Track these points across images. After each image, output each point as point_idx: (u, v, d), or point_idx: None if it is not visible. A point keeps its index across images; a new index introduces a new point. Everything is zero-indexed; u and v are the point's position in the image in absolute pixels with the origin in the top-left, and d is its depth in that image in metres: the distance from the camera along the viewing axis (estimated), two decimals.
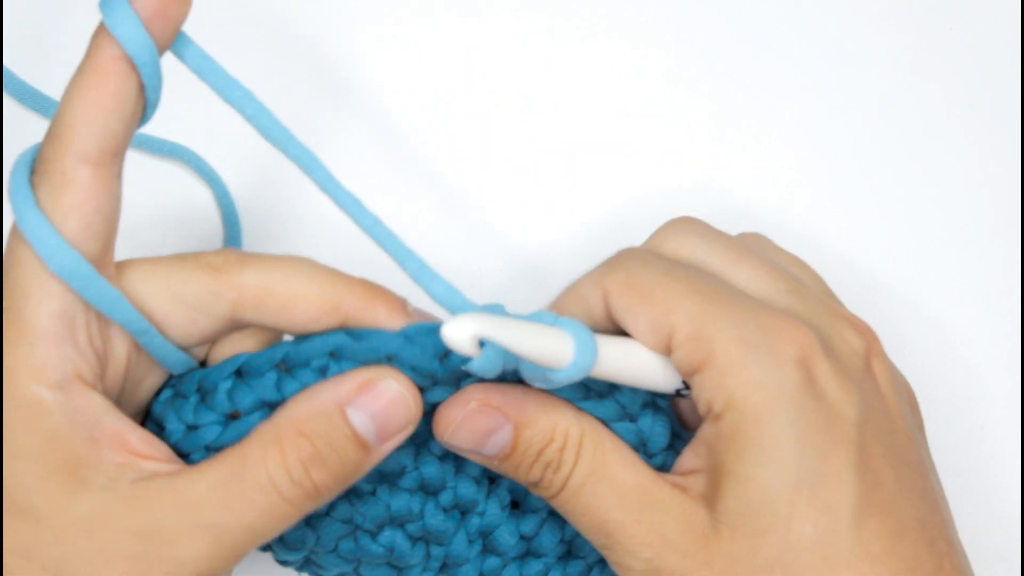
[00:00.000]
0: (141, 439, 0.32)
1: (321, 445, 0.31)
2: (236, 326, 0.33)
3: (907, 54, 0.49)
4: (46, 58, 0.48)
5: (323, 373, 0.32)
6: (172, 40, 0.30)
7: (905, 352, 0.46)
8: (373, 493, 0.35)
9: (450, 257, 0.47)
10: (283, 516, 0.31)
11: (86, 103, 0.29)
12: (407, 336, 0.32)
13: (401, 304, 0.33)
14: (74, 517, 0.30)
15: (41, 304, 0.30)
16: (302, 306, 0.32)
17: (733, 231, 0.47)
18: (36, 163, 0.30)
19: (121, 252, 0.32)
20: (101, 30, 0.29)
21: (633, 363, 0.33)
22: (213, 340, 0.34)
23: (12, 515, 0.30)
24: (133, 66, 0.29)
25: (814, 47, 0.49)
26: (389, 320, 0.32)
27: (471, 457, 0.34)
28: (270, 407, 0.32)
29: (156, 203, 0.46)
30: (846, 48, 0.49)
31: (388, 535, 0.36)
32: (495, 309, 0.32)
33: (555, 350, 0.30)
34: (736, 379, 0.32)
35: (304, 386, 0.32)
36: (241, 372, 0.33)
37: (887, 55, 0.49)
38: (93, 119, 0.29)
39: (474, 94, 0.49)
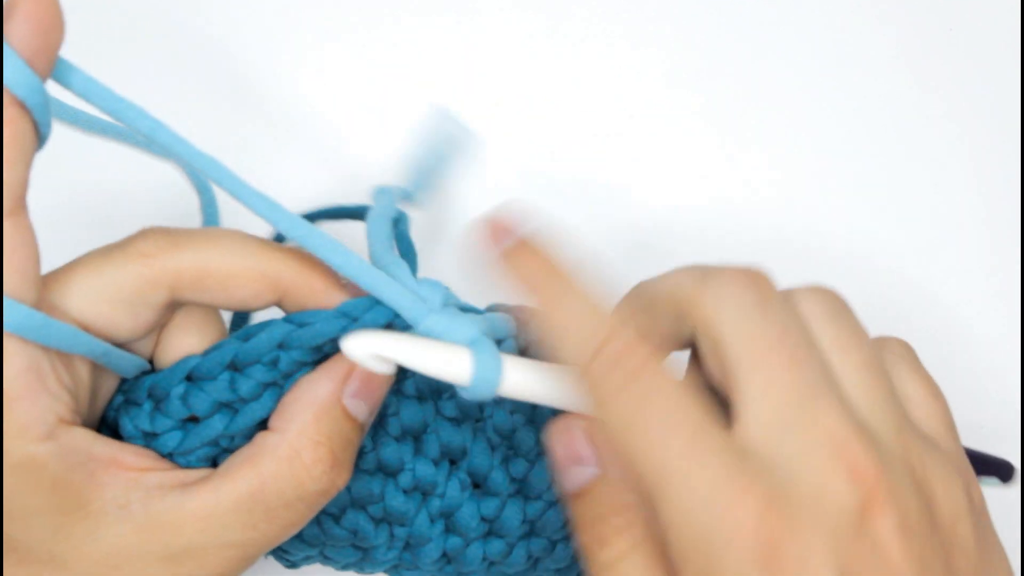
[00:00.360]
0: (132, 454, 0.31)
1: (336, 447, 0.32)
2: (176, 306, 0.33)
3: (907, 54, 0.49)
4: None
5: (275, 365, 0.32)
6: (51, 70, 0.28)
7: None
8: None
9: (447, 258, 0.47)
10: (304, 521, 0.32)
11: None
12: (346, 314, 0.32)
13: (334, 276, 0.33)
14: (99, 554, 0.30)
15: (7, 366, 0.29)
16: (241, 283, 0.32)
17: (733, 231, 0.48)
18: None
19: (94, 234, 0.32)
20: None
21: (547, 384, 0.32)
22: (158, 326, 0.33)
23: (38, 566, 0.30)
24: (25, 108, 0.28)
25: (814, 47, 0.49)
26: (326, 294, 0.32)
27: (559, 477, 0.33)
28: (227, 407, 0.32)
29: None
30: (846, 48, 0.49)
31: (351, 518, 0.36)
32: (459, 306, 0.33)
33: (454, 369, 0.31)
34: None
35: (259, 383, 0.32)
36: (192, 376, 0.32)
37: (887, 55, 0.49)
38: (3, 172, 0.28)
39: (474, 94, 0.49)
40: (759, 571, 0.27)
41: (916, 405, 0.31)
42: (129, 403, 0.33)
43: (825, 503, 0.27)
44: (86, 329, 0.31)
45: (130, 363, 0.32)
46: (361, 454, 0.35)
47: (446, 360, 0.31)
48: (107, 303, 0.31)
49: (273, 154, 0.47)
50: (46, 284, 0.31)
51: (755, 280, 0.30)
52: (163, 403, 0.32)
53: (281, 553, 0.38)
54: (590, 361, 0.29)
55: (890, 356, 0.32)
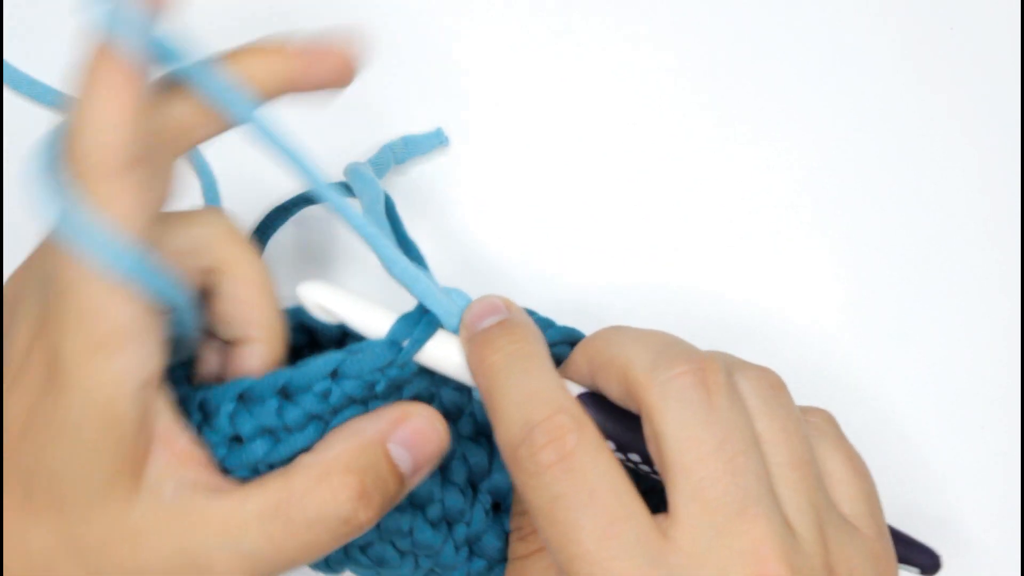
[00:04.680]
0: (188, 442, 0.31)
1: (368, 481, 0.32)
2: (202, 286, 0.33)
3: (907, 54, 0.49)
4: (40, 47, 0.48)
5: (326, 397, 0.32)
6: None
7: (905, 352, 0.46)
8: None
9: (446, 257, 0.47)
10: (322, 549, 0.32)
11: (106, 111, 0.28)
12: (395, 342, 0.33)
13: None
14: (123, 526, 0.30)
15: (119, 312, 0.29)
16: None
17: (733, 231, 0.48)
18: (78, 164, 0.28)
19: None
20: (107, 34, 0.28)
21: (454, 362, 0.33)
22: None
23: (70, 509, 0.30)
24: (143, 65, 0.28)
25: (814, 47, 0.49)
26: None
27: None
28: (271, 434, 0.32)
29: None
30: (846, 48, 0.49)
31: (378, 549, 0.36)
32: (456, 294, 0.34)
33: (373, 329, 0.33)
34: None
35: (306, 413, 0.32)
36: (244, 397, 0.33)
37: (888, 55, 0.49)
38: (119, 126, 0.28)
39: (473, 95, 0.49)
40: None
41: (839, 483, 0.32)
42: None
43: None
44: None
45: (194, 332, 0.33)
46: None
47: (371, 320, 0.33)
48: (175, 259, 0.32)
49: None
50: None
51: (704, 379, 0.30)
52: (212, 418, 0.32)
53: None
54: (517, 445, 0.30)
55: (814, 432, 0.32)
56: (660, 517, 0.29)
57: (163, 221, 0.31)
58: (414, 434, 0.33)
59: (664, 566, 0.28)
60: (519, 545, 0.34)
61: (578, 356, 0.33)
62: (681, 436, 0.29)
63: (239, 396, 0.33)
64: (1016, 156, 0.48)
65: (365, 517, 0.32)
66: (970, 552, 0.44)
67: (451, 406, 0.36)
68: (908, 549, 0.34)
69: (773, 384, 0.32)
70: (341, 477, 0.31)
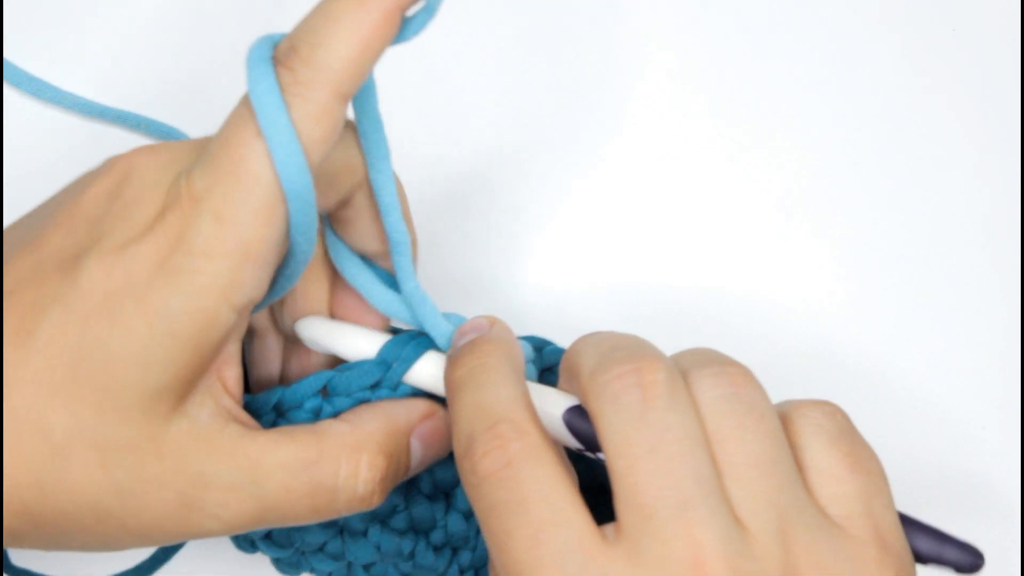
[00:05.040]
0: (235, 378, 0.31)
1: (391, 467, 0.32)
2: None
3: (908, 54, 0.49)
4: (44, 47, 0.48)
5: (316, 415, 0.33)
6: None
7: (905, 351, 0.46)
8: (364, 534, 0.36)
9: (445, 258, 0.47)
10: (327, 517, 0.32)
11: (359, 40, 0.28)
12: (384, 361, 0.33)
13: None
14: (155, 436, 0.30)
15: (265, 227, 0.29)
16: None
17: (732, 232, 0.47)
18: (288, 79, 0.28)
19: None
20: None
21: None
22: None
23: (108, 407, 0.29)
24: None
25: (815, 47, 0.49)
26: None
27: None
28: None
29: None
30: (847, 48, 0.49)
31: (380, 569, 0.36)
32: (453, 319, 0.34)
33: (363, 353, 0.33)
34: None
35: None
36: (247, 409, 0.33)
37: (888, 55, 0.49)
38: (363, 59, 0.28)
39: (472, 95, 0.49)
40: None
41: (829, 480, 0.30)
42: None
43: None
44: None
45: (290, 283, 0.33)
46: (393, 512, 0.35)
47: (361, 343, 0.34)
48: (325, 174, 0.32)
49: None
50: None
51: (639, 379, 0.29)
52: (289, 412, 0.33)
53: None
54: (463, 456, 0.30)
55: (807, 427, 0.30)
56: (609, 526, 0.29)
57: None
58: (433, 432, 0.33)
59: (597, 573, 0.27)
60: None
61: (560, 370, 0.33)
62: (616, 440, 0.29)
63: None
64: (1016, 156, 0.48)
65: (377, 501, 0.32)
66: None
67: None
68: (940, 546, 0.31)
69: (734, 380, 0.30)
70: (373, 457, 0.32)
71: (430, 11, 0.29)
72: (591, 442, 0.31)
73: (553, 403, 0.32)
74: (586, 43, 0.49)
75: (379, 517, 0.35)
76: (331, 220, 0.34)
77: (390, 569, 0.36)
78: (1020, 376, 0.45)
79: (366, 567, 0.36)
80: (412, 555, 0.36)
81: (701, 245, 0.47)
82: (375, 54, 0.28)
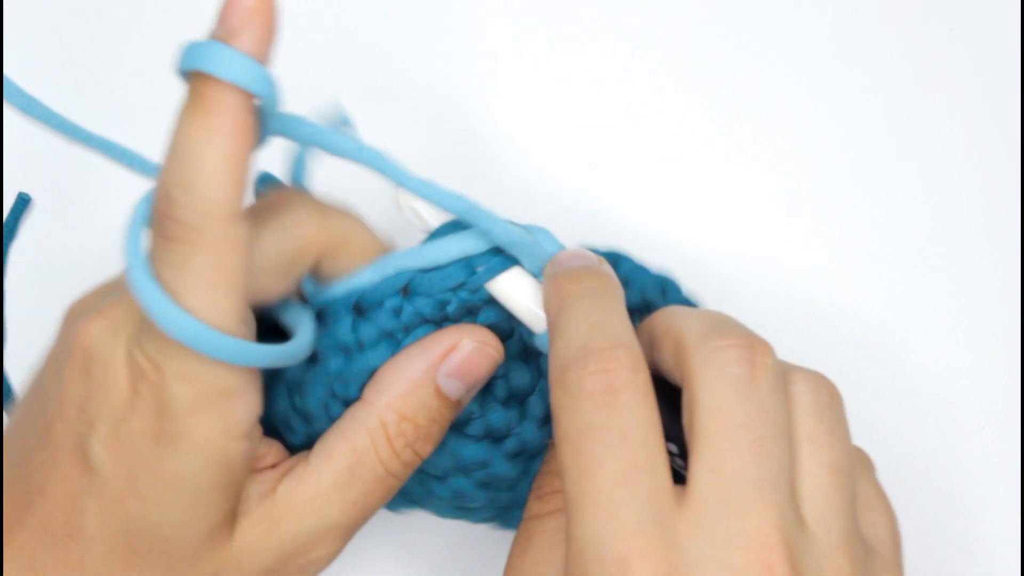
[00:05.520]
0: (275, 454, 0.32)
1: (423, 421, 0.32)
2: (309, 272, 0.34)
3: (907, 54, 0.49)
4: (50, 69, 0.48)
5: (398, 315, 0.33)
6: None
7: (905, 351, 0.46)
8: (442, 443, 0.35)
9: None
10: (393, 492, 0.33)
11: (230, 159, 0.27)
12: (470, 264, 0.33)
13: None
14: (229, 554, 0.31)
15: (226, 374, 0.29)
16: (366, 252, 0.33)
17: (731, 231, 0.48)
18: (172, 230, 0.28)
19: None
20: (202, 78, 0.27)
21: (522, 300, 0.33)
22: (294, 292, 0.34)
23: (175, 561, 0.30)
24: (250, 106, 0.28)
25: (814, 48, 0.49)
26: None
27: None
28: (345, 351, 0.33)
29: None
30: (847, 48, 0.49)
31: (456, 481, 0.36)
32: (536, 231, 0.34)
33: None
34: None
35: (379, 328, 0.33)
36: (320, 315, 0.33)
37: (887, 55, 0.49)
38: (241, 175, 0.28)
39: (471, 94, 0.49)
40: None
41: (868, 508, 0.31)
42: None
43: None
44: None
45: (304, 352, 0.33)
46: (468, 420, 0.35)
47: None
48: (264, 274, 0.31)
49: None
50: None
51: (751, 356, 0.29)
52: (371, 313, 0.33)
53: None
54: (569, 364, 0.29)
55: (856, 463, 0.32)
56: (679, 488, 0.29)
57: (258, 228, 0.31)
58: (464, 363, 0.33)
59: (667, 528, 0.27)
60: (536, 504, 0.33)
61: (640, 330, 0.33)
62: (712, 405, 0.28)
63: (317, 315, 0.33)
64: (1016, 156, 0.48)
65: (425, 452, 0.33)
66: (970, 552, 0.44)
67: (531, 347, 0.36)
68: None
69: (831, 392, 0.31)
70: (396, 425, 0.32)
71: (274, 119, 0.29)
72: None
73: None
74: (586, 42, 0.50)
75: (455, 426, 0.35)
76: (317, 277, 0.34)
77: (465, 480, 0.36)
78: (1020, 376, 0.45)
79: (440, 478, 0.36)
80: (487, 464, 0.35)
81: (701, 245, 0.47)
82: (247, 164, 0.28)
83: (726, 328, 0.30)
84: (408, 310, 0.33)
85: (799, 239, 0.47)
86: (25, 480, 0.31)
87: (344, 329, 0.33)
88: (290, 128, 0.31)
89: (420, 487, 0.36)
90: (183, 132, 0.27)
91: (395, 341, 0.33)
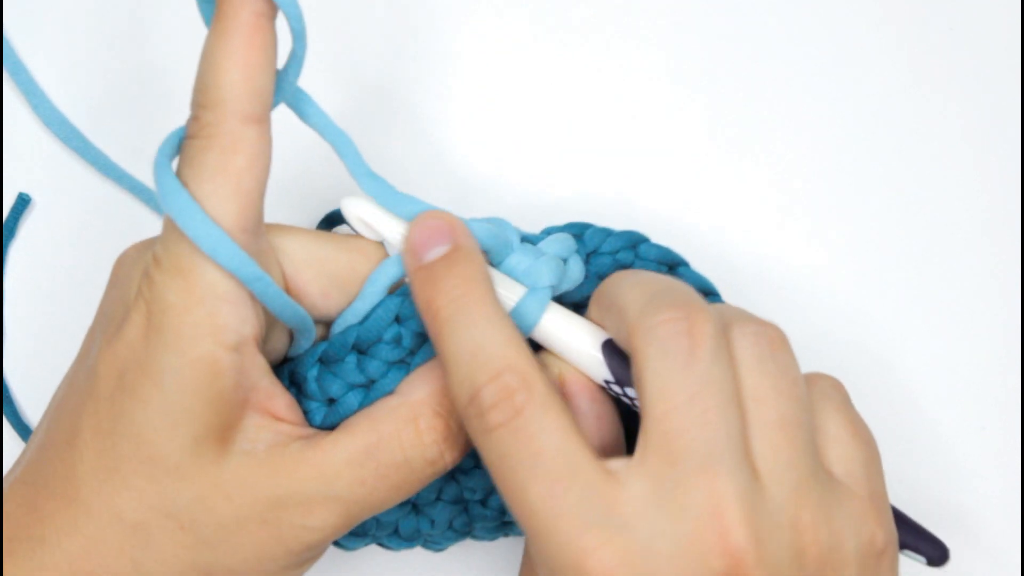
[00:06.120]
0: (285, 405, 0.32)
1: (453, 424, 0.32)
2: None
3: (907, 54, 0.49)
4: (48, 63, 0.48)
5: (399, 343, 0.33)
6: None
7: (905, 352, 0.46)
8: (477, 466, 0.36)
9: None
10: (409, 491, 0.33)
11: (241, 63, 0.29)
12: None
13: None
14: (216, 480, 0.30)
15: (221, 276, 0.30)
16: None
17: (731, 231, 0.47)
18: (193, 128, 0.30)
19: None
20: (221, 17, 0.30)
21: (573, 344, 0.34)
22: (325, 320, 0.35)
23: (160, 473, 0.30)
24: (267, 18, 0.30)
25: (814, 47, 0.49)
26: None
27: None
28: (360, 387, 0.33)
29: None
30: (847, 48, 0.49)
31: (497, 498, 0.36)
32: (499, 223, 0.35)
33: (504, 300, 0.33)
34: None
35: (385, 361, 0.33)
36: (323, 360, 0.34)
37: (887, 55, 0.49)
38: (252, 78, 0.30)
39: (470, 93, 0.49)
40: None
41: (835, 443, 0.31)
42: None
43: (686, 569, 0.28)
44: (284, 281, 0.33)
45: (308, 329, 0.34)
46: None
47: (503, 295, 0.34)
48: (313, 270, 0.33)
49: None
50: (271, 228, 0.33)
51: (689, 329, 0.30)
52: (304, 386, 0.34)
53: (427, 544, 0.39)
54: (466, 404, 0.30)
55: (817, 394, 0.32)
56: (618, 460, 0.29)
57: (321, 233, 0.33)
58: None
59: (612, 519, 0.28)
60: None
61: (592, 301, 0.34)
62: (657, 384, 0.29)
63: (319, 360, 0.33)
64: (1016, 156, 0.48)
65: (450, 458, 0.33)
66: (970, 552, 0.44)
67: None
68: (915, 537, 0.33)
69: (773, 340, 0.31)
70: (428, 420, 0.32)
71: (298, 61, 0.32)
72: (622, 377, 0.32)
73: (587, 334, 0.33)
74: (584, 43, 0.49)
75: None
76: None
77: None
78: (1020, 376, 0.45)
79: (483, 501, 0.37)
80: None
81: (700, 245, 0.47)
82: (260, 70, 0.30)
83: (666, 300, 0.30)
84: (407, 335, 0.34)
85: (798, 239, 0.47)
86: (58, 403, 0.32)
87: (351, 370, 0.33)
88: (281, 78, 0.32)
89: (463, 516, 0.37)
90: (208, 43, 0.30)
91: (405, 365, 0.34)
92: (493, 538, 0.39)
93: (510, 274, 0.34)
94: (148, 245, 0.32)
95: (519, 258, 0.34)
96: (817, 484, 0.30)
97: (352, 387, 0.33)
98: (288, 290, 0.33)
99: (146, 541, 0.30)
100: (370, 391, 0.33)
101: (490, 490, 0.36)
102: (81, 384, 0.31)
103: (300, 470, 0.31)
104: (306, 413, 0.33)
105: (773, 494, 0.29)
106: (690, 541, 0.28)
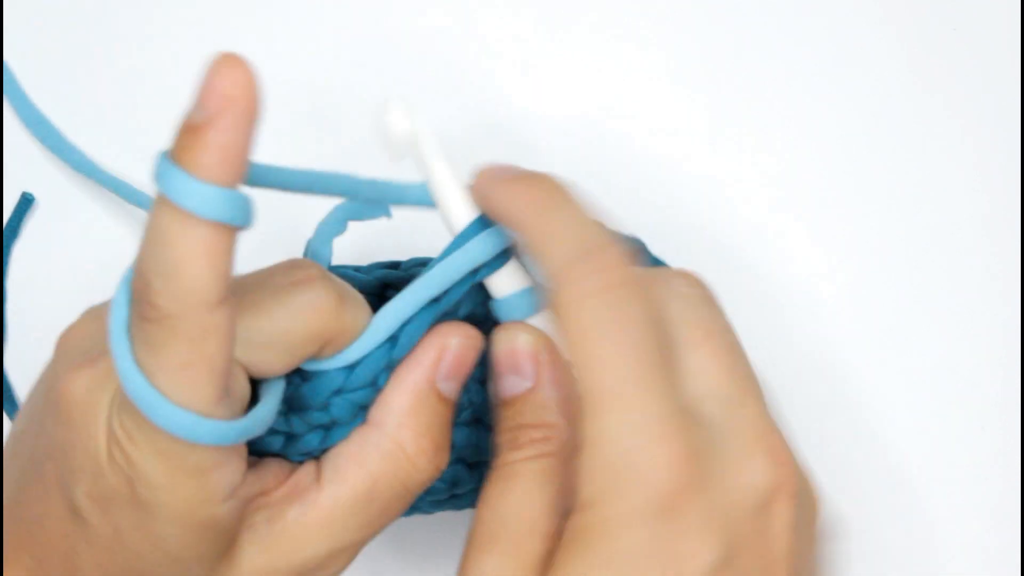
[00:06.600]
0: (273, 476, 0.32)
1: (436, 434, 0.32)
2: None
3: (908, 54, 0.49)
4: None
5: (326, 409, 0.32)
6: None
7: (905, 351, 0.46)
8: None
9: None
10: (409, 505, 0.33)
11: (201, 258, 0.26)
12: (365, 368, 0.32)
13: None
14: None
15: (202, 451, 0.28)
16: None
17: (730, 231, 0.47)
18: (150, 313, 0.26)
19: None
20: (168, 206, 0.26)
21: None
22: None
23: None
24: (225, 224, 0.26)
25: (814, 47, 0.49)
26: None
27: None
28: (364, 410, 0.32)
29: None
30: (846, 48, 0.49)
31: (451, 470, 0.36)
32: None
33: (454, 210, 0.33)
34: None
35: (309, 425, 0.32)
36: (339, 391, 0.33)
37: (888, 55, 0.49)
38: (219, 264, 0.26)
39: (470, 93, 0.49)
40: (653, 515, 0.27)
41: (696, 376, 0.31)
42: None
43: (740, 477, 0.29)
44: (244, 369, 0.30)
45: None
46: (459, 410, 0.35)
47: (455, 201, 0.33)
48: (271, 351, 0.30)
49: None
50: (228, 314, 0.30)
51: (607, 280, 0.30)
52: (304, 412, 0.32)
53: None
54: (574, 260, 0.29)
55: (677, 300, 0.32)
56: None
57: (273, 304, 0.30)
58: (455, 363, 0.33)
59: (685, 417, 0.28)
60: (512, 452, 0.32)
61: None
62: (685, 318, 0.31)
63: (334, 392, 0.32)
64: (1016, 156, 0.47)
65: (444, 462, 0.33)
66: (970, 552, 0.44)
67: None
68: None
69: (698, 286, 0.32)
70: (414, 444, 0.32)
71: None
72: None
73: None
74: (584, 43, 0.50)
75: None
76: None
77: (459, 466, 0.36)
78: (1020, 376, 0.45)
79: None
80: (477, 444, 0.36)
81: (700, 245, 0.47)
82: (222, 254, 0.26)
83: (584, 253, 0.30)
84: (339, 404, 0.32)
85: (798, 239, 0.47)
86: (24, 506, 0.31)
87: (369, 394, 0.32)
88: (267, 178, 0.30)
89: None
90: (158, 217, 0.26)
91: (364, 410, 0.33)
92: (433, 512, 0.38)
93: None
94: (102, 381, 0.29)
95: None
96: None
97: (363, 408, 0.32)
98: (250, 375, 0.31)
99: None
100: (329, 435, 0.33)
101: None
102: (60, 513, 0.30)
103: (309, 539, 0.31)
104: (295, 438, 0.32)
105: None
106: (747, 452, 0.29)
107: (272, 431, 0.32)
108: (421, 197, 0.34)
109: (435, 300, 0.33)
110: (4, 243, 0.45)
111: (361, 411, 0.32)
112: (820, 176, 0.48)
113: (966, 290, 0.46)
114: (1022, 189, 0.47)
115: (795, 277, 0.47)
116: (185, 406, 0.27)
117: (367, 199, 0.33)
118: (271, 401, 0.30)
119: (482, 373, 0.35)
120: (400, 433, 0.32)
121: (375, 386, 0.32)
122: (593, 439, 0.28)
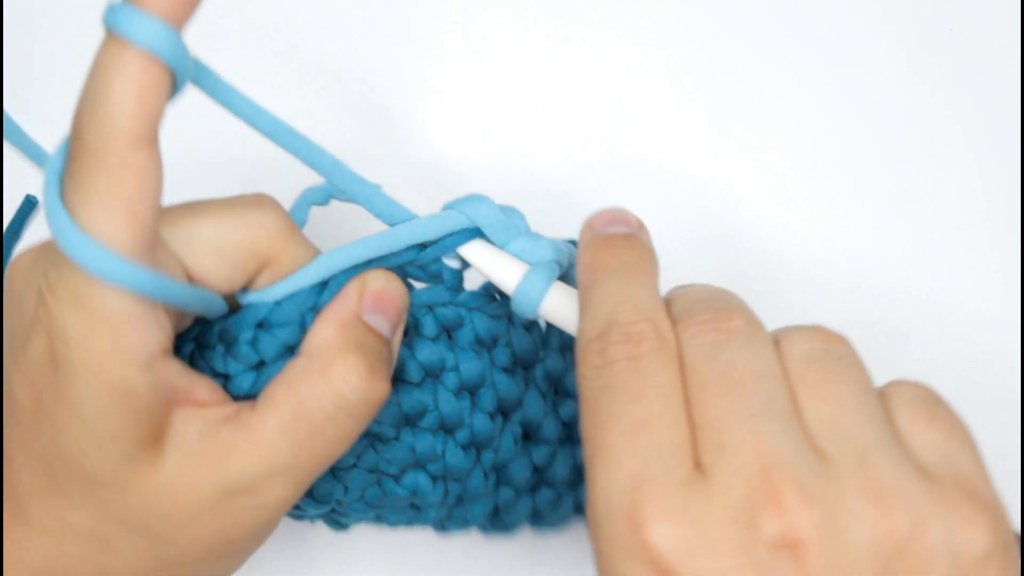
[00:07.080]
0: (206, 389, 0.32)
1: (369, 355, 0.32)
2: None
3: (907, 54, 0.49)
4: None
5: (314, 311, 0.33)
6: (187, 21, 0.28)
7: (905, 351, 0.46)
8: (397, 438, 0.36)
9: None
10: (351, 436, 0.32)
11: (128, 89, 0.27)
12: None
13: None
14: (158, 484, 0.30)
15: (119, 299, 0.29)
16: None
17: (730, 230, 0.48)
18: (77, 148, 0.28)
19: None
20: (115, 41, 0.27)
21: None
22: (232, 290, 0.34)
23: (99, 488, 0.30)
24: (159, 59, 0.27)
25: (814, 47, 0.49)
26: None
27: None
28: (291, 351, 0.33)
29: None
30: (846, 48, 0.49)
31: (411, 477, 0.37)
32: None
33: (505, 276, 0.35)
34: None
35: (282, 343, 0.33)
36: (263, 324, 0.33)
37: (888, 55, 0.49)
38: (146, 101, 0.27)
39: (470, 92, 0.49)
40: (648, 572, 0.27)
41: (913, 436, 0.29)
42: (203, 346, 0.34)
43: (738, 526, 0.27)
44: (185, 272, 0.31)
45: (219, 308, 0.33)
46: (423, 413, 0.36)
47: (503, 267, 0.34)
48: (214, 257, 0.32)
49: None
50: (165, 217, 0.31)
51: (716, 327, 0.30)
52: (233, 347, 0.33)
53: (337, 518, 0.39)
54: (593, 338, 0.30)
55: (896, 400, 0.30)
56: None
57: (225, 215, 0.32)
58: (378, 298, 0.33)
59: (679, 475, 0.27)
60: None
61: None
62: (685, 372, 0.30)
63: (258, 324, 0.33)
64: (1016, 156, 0.48)
65: (382, 388, 0.32)
66: None
67: (485, 334, 0.37)
68: None
69: (828, 337, 0.30)
70: (343, 362, 0.32)
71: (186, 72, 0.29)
72: None
73: None
74: (584, 43, 0.50)
75: (410, 420, 0.36)
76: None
77: (421, 475, 0.37)
78: (1020, 375, 0.45)
79: (397, 477, 0.37)
80: (443, 454, 0.36)
81: (700, 245, 0.47)
82: (156, 92, 0.28)
83: (695, 308, 0.30)
84: (326, 296, 0.34)
85: (798, 239, 0.47)
86: None
87: (294, 331, 0.33)
88: (202, 79, 0.31)
89: (377, 488, 0.37)
90: (98, 59, 0.28)
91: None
92: (399, 524, 0.39)
93: (515, 255, 0.35)
94: (41, 256, 0.30)
95: (525, 240, 0.35)
96: (890, 460, 0.27)
97: (290, 349, 0.33)
98: (191, 279, 0.32)
99: (105, 547, 0.31)
100: (262, 373, 0.33)
101: (406, 467, 0.36)
102: (3, 402, 0.31)
103: (237, 455, 0.31)
104: (230, 379, 0.33)
105: (836, 463, 0.27)
106: (744, 502, 0.27)
107: (212, 372, 0.33)
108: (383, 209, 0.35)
109: (376, 261, 0.34)
110: (5, 245, 0.45)
111: (288, 351, 0.33)
112: (820, 176, 0.48)
113: (966, 289, 0.46)
114: (1022, 188, 0.47)
115: (795, 277, 0.47)
116: (99, 238, 0.28)
117: (329, 180, 0.34)
118: (199, 291, 0.31)
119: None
120: (326, 353, 0.32)
121: (302, 326, 0.33)
122: (590, 494, 0.29)
